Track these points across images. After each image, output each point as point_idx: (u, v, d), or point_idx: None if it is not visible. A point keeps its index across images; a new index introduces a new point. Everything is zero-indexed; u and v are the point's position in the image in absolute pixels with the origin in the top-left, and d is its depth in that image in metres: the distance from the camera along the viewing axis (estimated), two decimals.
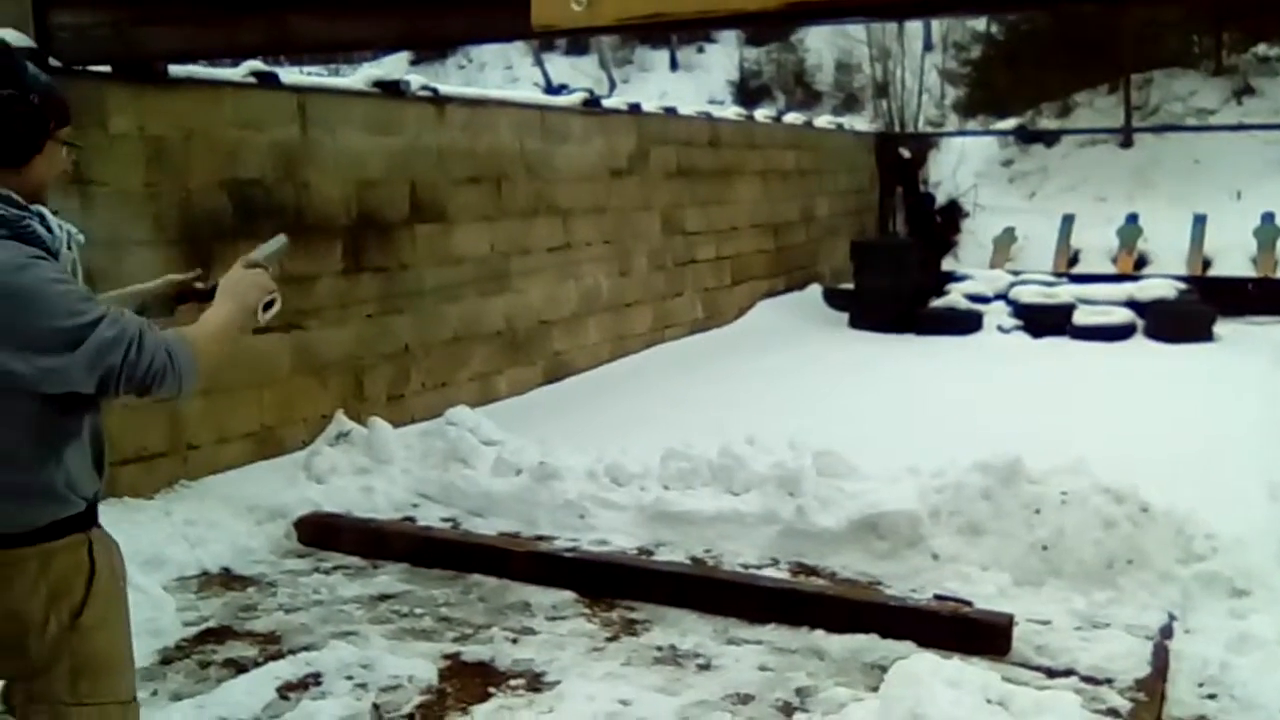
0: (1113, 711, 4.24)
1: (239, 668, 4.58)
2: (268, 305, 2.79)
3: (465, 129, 8.46)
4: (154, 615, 5.00)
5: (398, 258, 7.85)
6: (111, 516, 5.84)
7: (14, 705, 2.53)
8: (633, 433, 7.20)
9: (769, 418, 7.25)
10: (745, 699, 4.34)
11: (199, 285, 3.02)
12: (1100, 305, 11.98)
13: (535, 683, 4.47)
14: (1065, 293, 12.30)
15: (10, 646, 2.47)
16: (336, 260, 7.37)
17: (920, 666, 3.67)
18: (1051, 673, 4.52)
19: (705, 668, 4.62)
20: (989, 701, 3.55)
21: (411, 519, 6.26)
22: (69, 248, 2.53)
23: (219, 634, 4.93)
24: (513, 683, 4.47)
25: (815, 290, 13.38)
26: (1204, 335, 11.68)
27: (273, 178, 6.98)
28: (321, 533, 5.97)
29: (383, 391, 7.77)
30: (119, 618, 2.62)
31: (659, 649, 4.79)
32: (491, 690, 4.41)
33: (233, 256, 2.84)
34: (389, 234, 7.79)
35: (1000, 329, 12.02)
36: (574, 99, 10.12)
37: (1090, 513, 5.39)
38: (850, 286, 12.89)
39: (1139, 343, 11.61)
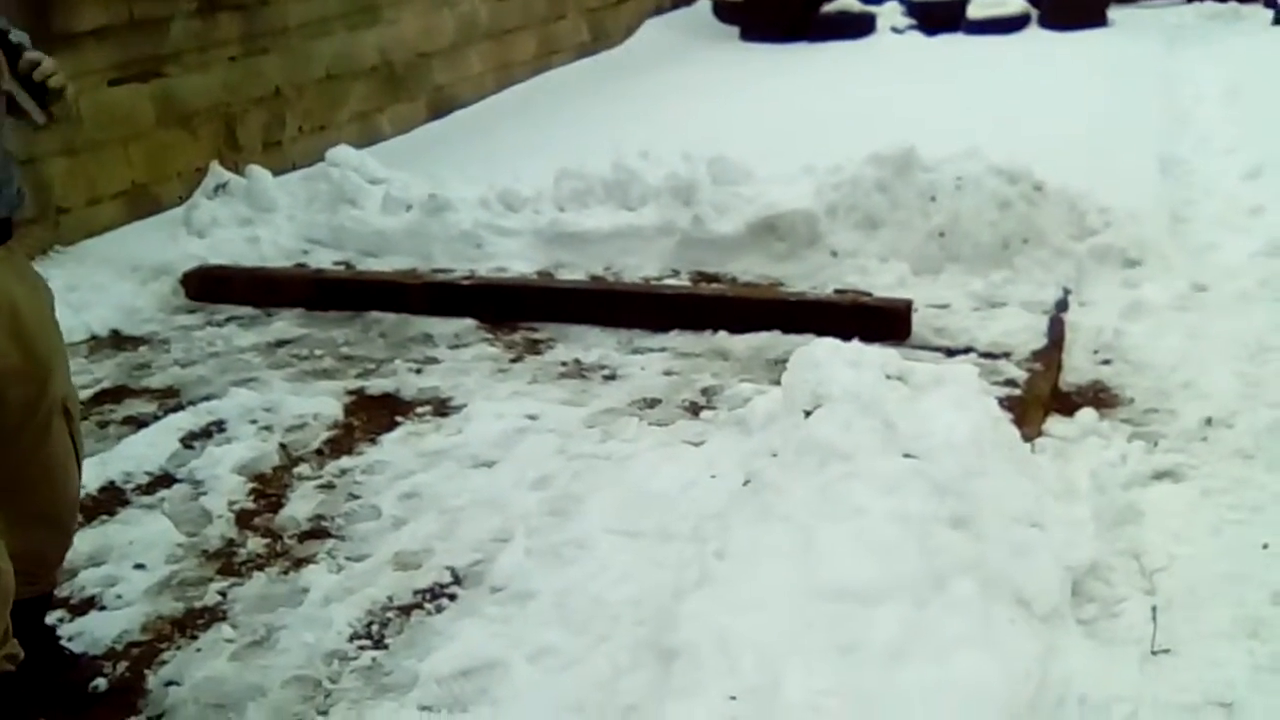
0: (1010, 382, 4.34)
1: (139, 423, 4.48)
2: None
3: None
4: None
5: None
6: None
7: None
8: (524, 161, 6.98)
9: (662, 133, 7.05)
10: (652, 403, 4.37)
11: None
12: None
13: (442, 408, 4.45)
14: None
15: None
16: None
17: (820, 350, 3.68)
18: (951, 352, 4.61)
19: (611, 378, 4.63)
20: (889, 377, 3.58)
21: (303, 265, 6.07)
22: None
23: (115, 394, 4.80)
24: (419, 410, 4.45)
25: (704, 4, 12.91)
26: (1097, 21, 11.57)
27: None
28: (210, 286, 5.77)
29: (258, 138, 7.40)
30: None
31: (564, 365, 4.78)
32: (399, 419, 4.38)
33: None
34: None
35: (894, 30, 11.76)
36: None
37: (985, 196, 5.39)
38: None
39: (1033, 32, 11.47)
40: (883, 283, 5.20)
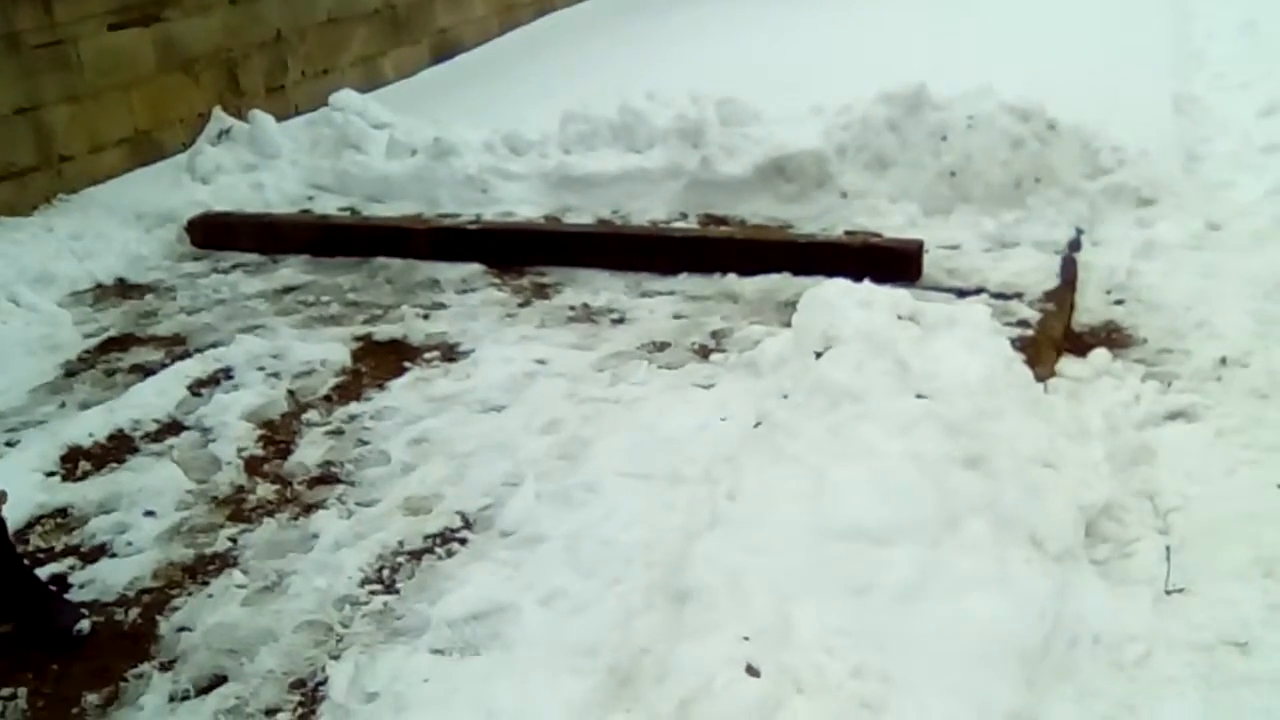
0: (1023, 323, 4.30)
1: (146, 371, 4.47)
2: None
3: None
4: (50, 331, 4.85)
5: None
6: None
7: None
8: (529, 104, 6.93)
9: (669, 75, 6.98)
10: (661, 346, 4.34)
11: None
12: None
13: (450, 353, 4.42)
14: None
15: None
16: None
17: (831, 291, 3.64)
18: (963, 293, 4.56)
19: (620, 321, 4.60)
20: (900, 318, 3.54)
21: (308, 211, 6.03)
22: None
23: (121, 342, 4.79)
24: (427, 355, 4.43)
25: None
26: None
27: None
28: (215, 233, 5.74)
29: (260, 83, 7.33)
30: None
31: (572, 309, 4.75)
32: (406, 364, 4.36)
33: None
34: None
35: None
36: None
37: (997, 134, 5.32)
38: None
39: None
40: (893, 223, 5.15)
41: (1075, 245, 4.95)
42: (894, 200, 5.29)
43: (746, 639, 2.42)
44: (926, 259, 4.74)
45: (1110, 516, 3.17)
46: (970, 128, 5.36)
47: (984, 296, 4.48)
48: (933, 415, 3.07)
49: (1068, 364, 4.07)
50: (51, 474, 3.76)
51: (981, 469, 2.93)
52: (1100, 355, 4.09)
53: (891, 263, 4.66)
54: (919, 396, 3.16)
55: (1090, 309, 4.53)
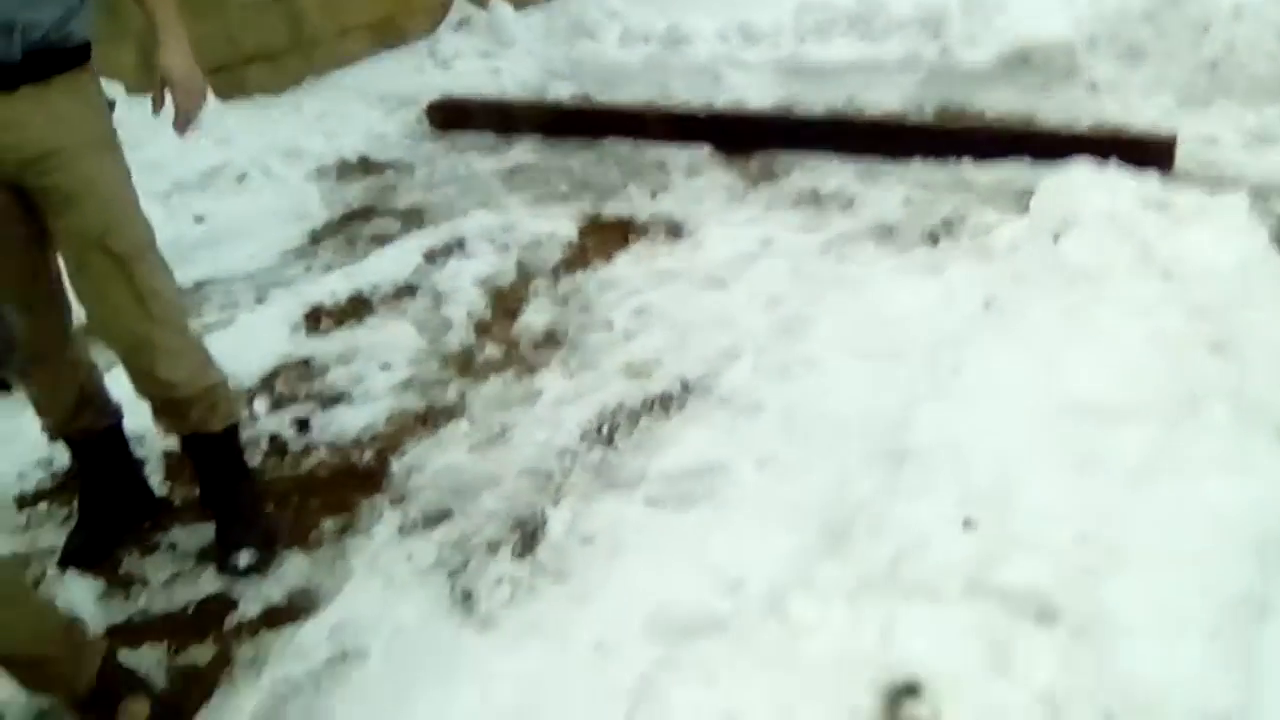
0: None
1: (385, 240, 4.66)
2: None
3: None
4: (298, 202, 5.11)
5: None
6: (244, 115, 5.87)
7: None
8: None
9: None
10: (889, 230, 4.23)
11: None
12: None
13: (676, 231, 4.44)
14: None
15: None
16: None
17: (1076, 175, 3.48)
18: (1218, 187, 4.27)
19: (848, 206, 4.50)
20: (1147, 205, 3.36)
21: (541, 97, 6.11)
22: None
23: (363, 214, 4.99)
24: (652, 233, 4.45)
25: None
26: None
27: None
28: (453, 115, 5.89)
29: None
30: None
31: (800, 192, 4.68)
32: (632, 241, 4.40)
33: None
34: None
35: None
36: None
37: (1265, 24, 4.93)
38: None
39: None
40: (1145, 117, 4.85)
41: None
42: (1146, 94, 4.98)
43: (966, 509, 2.36)
44: (1180, 152, 4.46)
45: None
46: (1236, 17, 4.98)
47: (1241, 191, 4.18)
48: (1177, 298, 2.91)
49: None
50: (296, 328, 3.98)
51: (1227, 353, 2.77)
52: None
53: (1141, 155, 4.39)
54: (1164, 280, 3.00)
55: None
